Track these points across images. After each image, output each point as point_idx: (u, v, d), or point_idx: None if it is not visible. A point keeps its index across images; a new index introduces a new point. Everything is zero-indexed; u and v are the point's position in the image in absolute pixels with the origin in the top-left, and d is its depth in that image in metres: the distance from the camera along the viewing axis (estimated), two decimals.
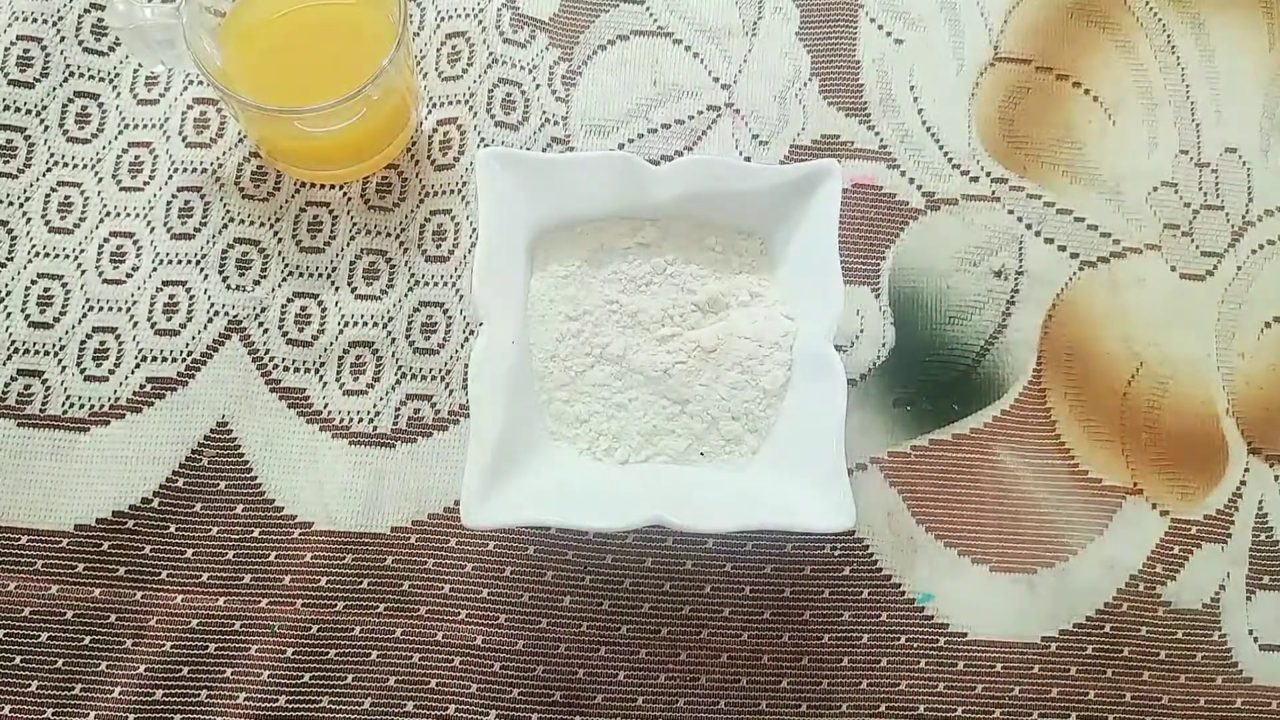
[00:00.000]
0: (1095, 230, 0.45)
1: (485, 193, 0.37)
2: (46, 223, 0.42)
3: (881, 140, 0.45)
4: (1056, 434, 0.42)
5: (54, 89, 0.43)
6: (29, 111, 0.43)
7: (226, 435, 0.40)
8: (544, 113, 0.44)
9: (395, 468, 0.40)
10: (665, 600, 0.40)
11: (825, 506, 0.35)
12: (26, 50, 0.43)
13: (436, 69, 0.44)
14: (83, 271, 0.41)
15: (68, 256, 0.41)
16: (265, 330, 0.41)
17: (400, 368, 0.41)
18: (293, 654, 0.38)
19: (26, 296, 0.41)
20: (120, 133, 0.43)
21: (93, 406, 0.40)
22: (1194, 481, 0.42)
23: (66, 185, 0.42)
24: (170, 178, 0.42)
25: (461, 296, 0.42)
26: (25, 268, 0.41)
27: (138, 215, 0.42)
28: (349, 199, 0.43)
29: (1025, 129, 0.46)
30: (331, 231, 0.42)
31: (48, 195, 0.42)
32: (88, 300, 0.41)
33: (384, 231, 0.43)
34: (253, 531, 0.39)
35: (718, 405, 0.38)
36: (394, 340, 0.41)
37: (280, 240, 0.42)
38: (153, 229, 0.42)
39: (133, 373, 0.40)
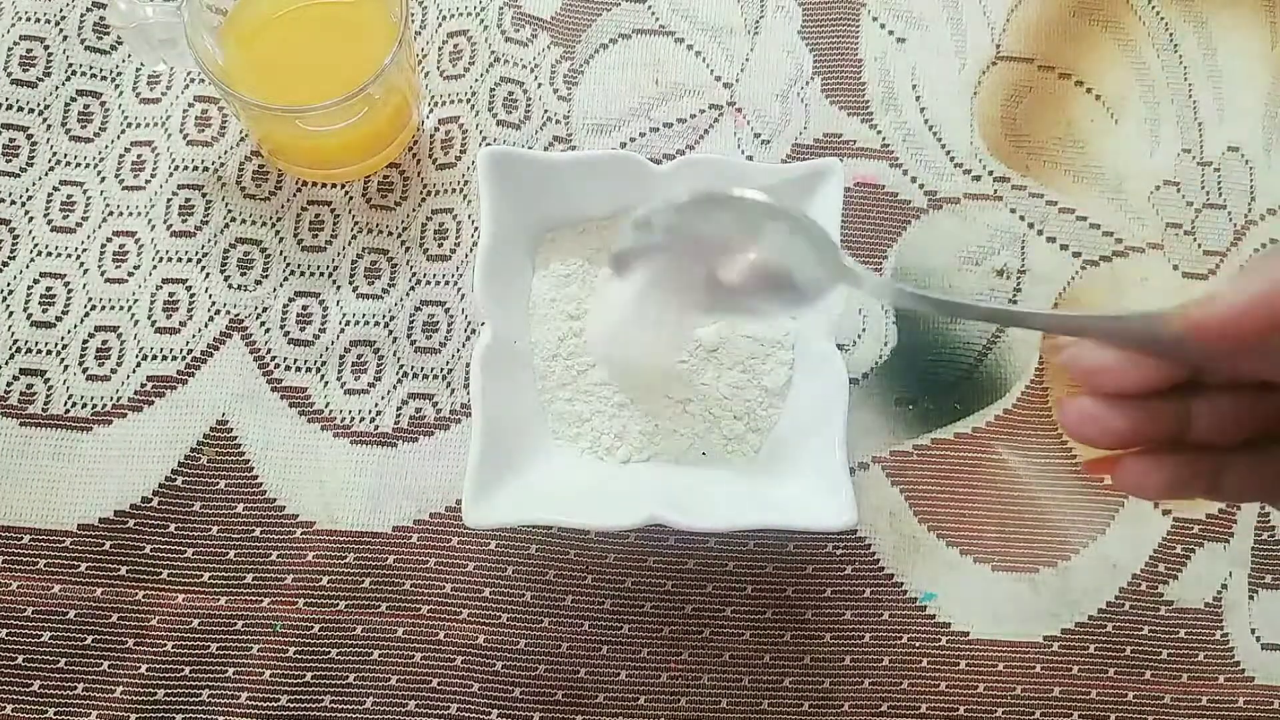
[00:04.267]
0: (1098, 229, 0.45)
1: (487, 192, 0.37)
2: (49, 222, 0.42)
3: (884, 139, 0.45)
4: (1059, 433, 0.42)
5: (56, 88, 0.43)
6: (32, 110, 0.43)
7: (227, 434, 0.40)
8: (546, 111, 0.44)
9: (397, 467, 0.40)
10: (667, 599, 0.40)
11: (827, 505, 0.35)
12: (29, 50, 0.43)
13: (438, 68, 0.44)
14: (85, 271, 0.41)
15: (70, 255, 0.41)
16: (266, 329, 0.41)
17: (402, 367, 0.41)
18: (294, 653, 0.38)
19: (29, 296, 0.41)
20: (123, 131, 0.43)
21: (95, 406, 0.40)
22: None
23: (69, 184, 0.42)
24: (171, 175, 0.42)
25: (463, 295, 0.42)
26: (28, 267, 0.41)
27: (139, 214, 0.42)
28: (350, 198, 0.43)
29: (1027, 128, 0.45)
30: (333, 230, 0.42)
31: (50, 194, 0.42)
32: (90, 299, 0.41)
33: (385, 230, 0.43)
34: (254, 531, 0.39)
35: (720, 404, 0.38)
36: (395, 339, 0.41)
37: (282, 239, 0.42)
38: (153, 227, 0.42)
39: (134, 371, 0.40)
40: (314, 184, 0.43)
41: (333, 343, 0.41)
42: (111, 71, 0.44)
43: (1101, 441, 0.24)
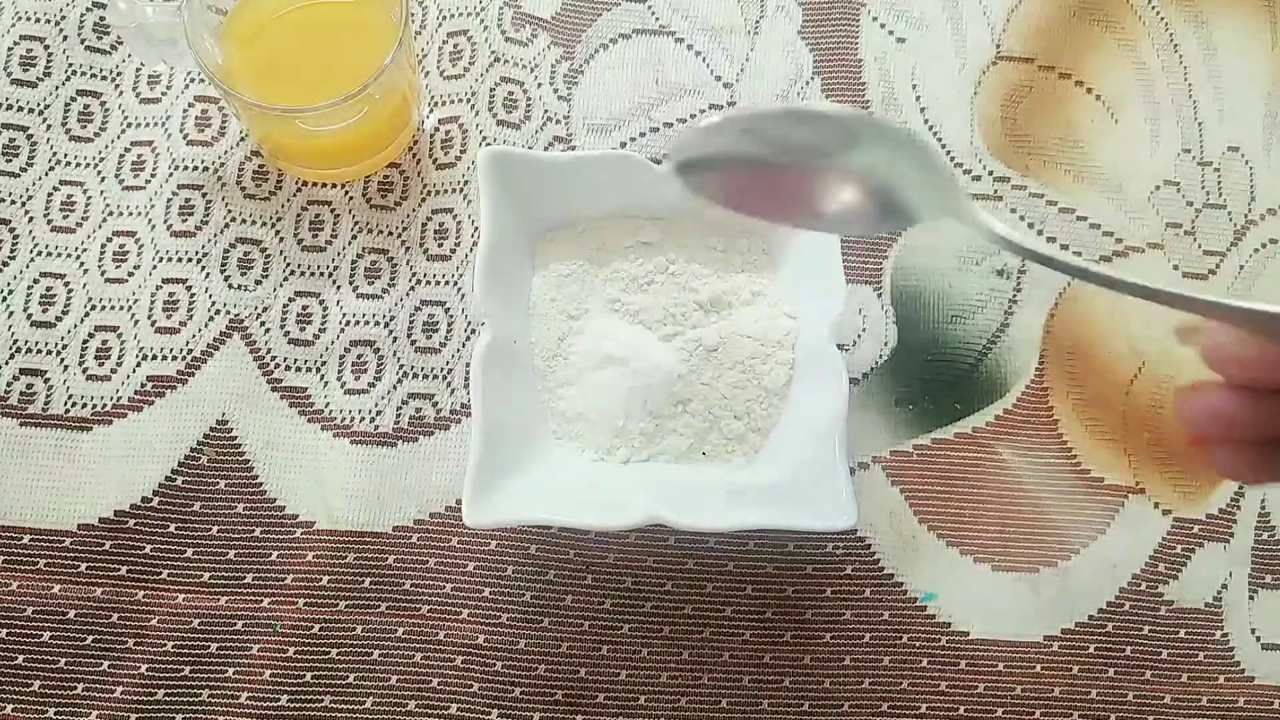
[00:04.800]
0: (1098, 229, 0.45)
1: (487, 192, 0.37)
2: (49, 221, 0.42)
3: None
4: (1059, 433, 0.42)
5: (56, 88, 0.43)
6: (32, 110, 0.43)
7: (227, 434, 0.40)
8: (546, 111, 0.44)
9: (397, 467, 0.40)
10: (667, 599, 0.40)
11: (827, 506, 0.35)
12: (29, 50, 0.43)
13: (438, 67, 0.44)
14: (85, 270, 0.41)
15: (70, 255, 0.41)
16: (266, 329, 0.41)
17: (402, 367, 0.41)
18: (294, 653, 0.38)
19: (29, 296, 0.41)
20: (123, 131, 0.43)
21: (95, 405, 0.40)
22: (1196, 480, 0.42)
23: (69, 184, 0.42)
24: (171, 175, 0.42)
25: (463, 295, 0.42)
26: (28, 267, 0.41)
27: (139, 214, 0.42)
28: (350, 198, 0.43)
29: (1027, 128, 0.45)
30: (333, 230, 0.42)
31: (50, 194, 0.42)
32: (90, 299, 0.41)
33: (386, 230, 0.43)
34: (254, 530, 0.39)
35: (720, 404, 0.38)
36: (395, 339, 0.41)
37: (282, 239, 0.42)
38: (154, 227, 0.42)
39: (134, 371, 0.40)
40: (314, 184, 0.43)
41: (333, 343, 0.41)
42: (111, 71, 0.44)
43: (1220, 435, 0.23)
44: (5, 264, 0.41)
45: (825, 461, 0.35)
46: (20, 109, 0.43)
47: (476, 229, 0.42)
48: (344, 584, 0.39)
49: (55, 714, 0.37)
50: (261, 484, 0.40)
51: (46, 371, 0.40)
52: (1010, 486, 0.42)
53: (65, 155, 0.42)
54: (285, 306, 0.41)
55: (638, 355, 0.38)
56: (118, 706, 0.37)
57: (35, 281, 0.41)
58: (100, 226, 0.42)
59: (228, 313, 0.41)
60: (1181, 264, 0.44)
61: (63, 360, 0.40)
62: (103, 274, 0.41)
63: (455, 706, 0.38)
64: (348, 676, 0.38)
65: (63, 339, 0.41)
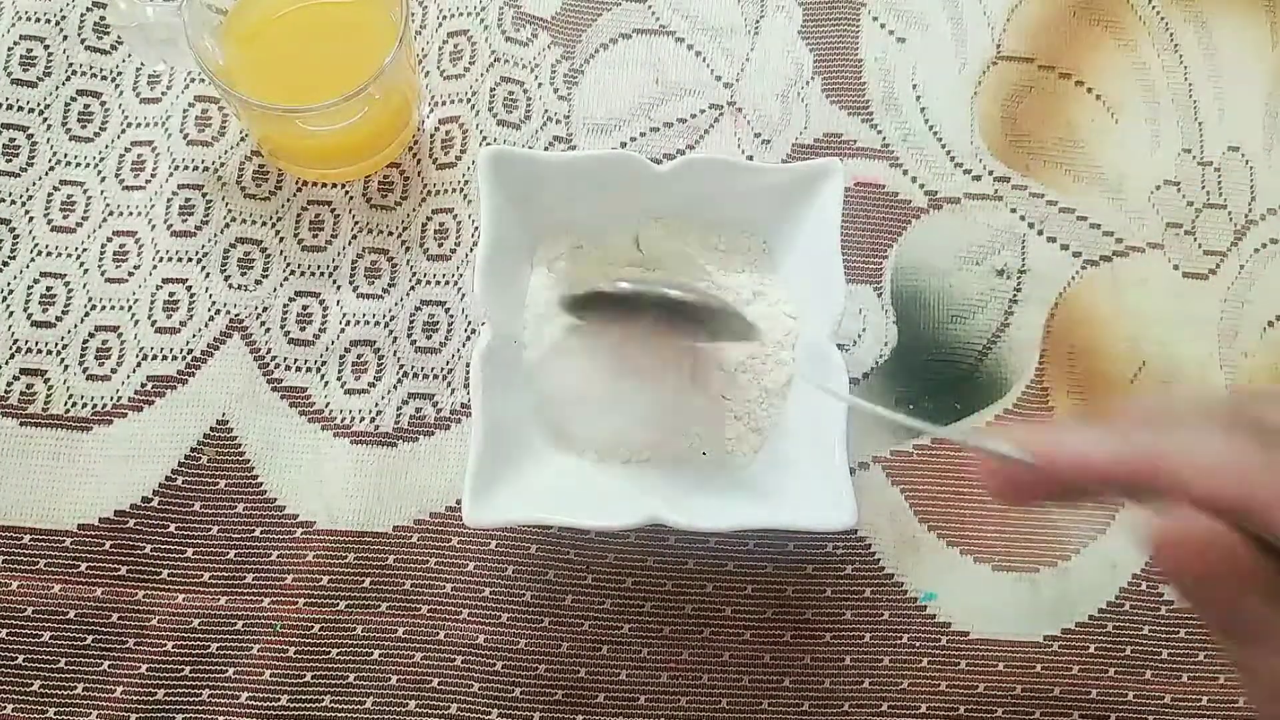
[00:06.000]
0: (1098, 229, 0.45)
1: (487, 191, 0.37)
2: (49, 221, 0.42)
3: (884, 139, 0.45)
4: None
5: (56, 88, 0.43)
6: (32, 110, 0.43)
7: (227, 434, 0.40)
8: (546, 111, 0.44)
9: (397, 467, 0.40)
10: (667, 599, 0.40)
11: (827, 505, 0.35)
12: (30, 50, 0.43)
13: (438, 67, 0.44)
14: (85, 270, 0.41)
15: (70, 255, 0.41)
16: (266, 329, 0.41)
17: (402, 366, 0.41)
18: (295, 653, 0.38)
19: (29, 295, 0.41)
20: (123, 131, 0.43)
21: (95, 405, 0.40)
22: None
23: (69, 184, 0.42)
24: (171, 175, 0.42)
25: (463, 295, 0.42)
26: (28, 267, 0.41)
27: (139, 214, 0.42)
28: (351, 198, 0.43)
29: (1028, 127, 0.45)
30: (333, 230, 0.42)
31: (50, 194, 0.42)
32: (90, 299, 0.41)
33: (386, 230, 0.43)
34: (254, 530, 0.39)
35: (720, 404, 0.38)
36: (395, 339, 0.41)
37: (282, 239, 0.42)
38: (154, 227, 0.42)
39: (134, 371, 0.40)
40: (314, 184, 0.43)
41: (333, 343, 0.41)
42: (111, 71, 0.44)
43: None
44: (5, 264, 0.41)
45: (825, 461, 0.35)
46: (20, 109, 0.43)
47: (476, 229, 0.42)
48: (344, 584, 0.39)
49: (55, 714, 0.37)
50: (261, 484, 0.40)
51: (46, 371, 0.40)
52: None
53: (65, 155, 0.42)
54: (285, 306, 0.41)
55: (637, 355, 0.38)
56: (118, 706, 0.37)
57: (35, 281, 0.41)
58: (100, 226, 0.42)
59: (228, 313, 0.41)
60: (1181, 264, 0.44)
61: (63, 360, 0.40)
62: (103, 274, 0.41)
63: (455, 706, 0.38)
64: (348, 676, 0.38)
65: (63, 339, 0.41)
